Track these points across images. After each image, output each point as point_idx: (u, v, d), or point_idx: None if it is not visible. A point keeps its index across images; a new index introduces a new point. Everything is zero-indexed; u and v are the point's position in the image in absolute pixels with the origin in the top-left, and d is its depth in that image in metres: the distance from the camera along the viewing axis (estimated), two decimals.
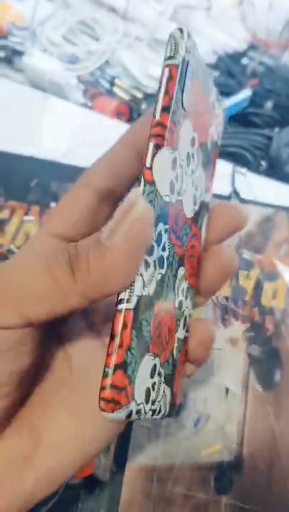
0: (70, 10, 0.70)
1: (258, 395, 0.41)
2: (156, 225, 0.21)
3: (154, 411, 0.22)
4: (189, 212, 0.25)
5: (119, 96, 0.63)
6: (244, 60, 0.67)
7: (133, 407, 0.20)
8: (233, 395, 0.41)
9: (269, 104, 0.62)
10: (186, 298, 0.26)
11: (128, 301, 0.20)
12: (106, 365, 0.20)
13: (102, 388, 0.19)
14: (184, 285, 0.25)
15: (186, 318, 0.26)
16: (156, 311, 0.22)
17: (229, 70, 0.66)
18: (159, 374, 0.23)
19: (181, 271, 0.25)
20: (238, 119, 0.61)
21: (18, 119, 0.59)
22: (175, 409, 0.26)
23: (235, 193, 0.54)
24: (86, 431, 0.23)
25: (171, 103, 0.22)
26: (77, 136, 0.58)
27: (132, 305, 0.20)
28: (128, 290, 0.20)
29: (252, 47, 0.69)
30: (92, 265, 0.19)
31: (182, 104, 0.22)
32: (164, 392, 0.23)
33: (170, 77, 0.22)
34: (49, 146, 0.57)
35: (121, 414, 0.20)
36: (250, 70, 0.66)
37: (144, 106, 0.62)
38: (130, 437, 0.39)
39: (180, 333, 0.25)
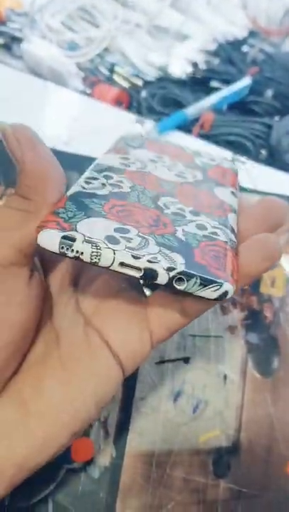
0: None
1: (256, 381, 0.42)
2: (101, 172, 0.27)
3: (135, 256, 0.21)
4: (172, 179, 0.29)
5: (118, 83, 0.63)
6: (244, 48, 0.67)
7: (75, 234, 0.21)
8: (232, 382, 0.42)
9: (269, 93, 0.62)
10: (194, 214, 0.26)
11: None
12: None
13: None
14: (183, 207, 0.26)
15: (202, 224, 0.25)
16: (117, 203, 0.24)
17: (229, 58, 0.65)
18: (141, 237, 0.22)
19: (170, 199, 0.27)
20: (238, 107, 0.61)
21: (18, 107, 0.58)
22: (210, 276, 0.22)
23: None
24: (75, 399, 0.24)
25: None
26: (77, 123, 0.58)
27: (67, 194, 0.24)
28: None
29: (252, 34, 0.69)
30: (27, 180, 0.24)
31: None
32: (160, 250, 0.22)
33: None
34: (48, 134, 0.57)
35: (52, 236, 0.21)
36: (250, 58, 0.66)
37: (143, 94, 0.62)
38: (130, 423, 0.39)
39: (192, 229, 0.24)
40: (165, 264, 0.21)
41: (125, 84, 0.63)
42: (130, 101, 0.62)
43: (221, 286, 0.21)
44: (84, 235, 0.21)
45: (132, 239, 0.22)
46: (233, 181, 0.30)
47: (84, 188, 0.25)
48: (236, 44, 0.67)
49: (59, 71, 0.61)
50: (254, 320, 0.45)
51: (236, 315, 0.45)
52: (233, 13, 0.71)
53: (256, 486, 0.38)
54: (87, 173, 0.27)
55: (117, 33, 0.67)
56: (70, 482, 0.36)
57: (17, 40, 0.65)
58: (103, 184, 0.26)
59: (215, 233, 0.24)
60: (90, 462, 0.37)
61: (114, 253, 0.21)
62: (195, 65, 0.65)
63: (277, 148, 0.57)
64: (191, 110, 0.58)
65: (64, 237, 0.21)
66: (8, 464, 0.22)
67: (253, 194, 0.53)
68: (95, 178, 0.26)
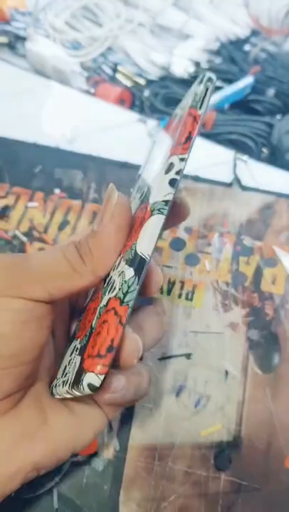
0: None
1: (257, 377, 0.43)
2: None
3: (64, 382, 0.25)
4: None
5: (121, 82, 0.63)
6: (246, 47, 0.67)
7: (54, 384, 0.26)
8: (233, 378, 0.42)
9: (271, 91, 0.62)
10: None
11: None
12: None
13: None
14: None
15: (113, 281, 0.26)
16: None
17: (231, 57, 0.66)
18: (76, 350, 0.26)
19: None
20: (240, 106, 0.62)
21: (22, 106, 0.59)
22: (87, 378, 0.23)
23: (237, 180, 0.54)
24: (82, 420, 0.27)
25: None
26: (81, 122, 0.59)
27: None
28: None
29: (254, 33, 0.69)
30: (93, 246, 0.25)
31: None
32: (75, 362, 0.25)
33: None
34: (52, 133, 0.57)
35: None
36: (252, 57, 0.66)
37: (146, 93, 0.62)
38: (133, 417, 0.40)
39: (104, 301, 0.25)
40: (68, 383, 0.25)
41: (128, 84, 0.63)
42: (133, 100, 0.62)
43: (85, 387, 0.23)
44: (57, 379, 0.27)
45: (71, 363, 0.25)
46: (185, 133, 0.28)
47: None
48: (238, 43, 0.68)
49: (63, 70, 0.62)
50: (255, 317, 0.46)
51: (238, 312, 0.46)
52: (236, 12, 0.71)
53: (256, 480, 0.39)
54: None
55: (120, 32, 0.67)
56: (75, 474, 0.37)
57: (21, 39, 0.65)
58: None
59: (112, 286, 0.25)
60: (94, 455, 0.38)
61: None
62: (197, 64, 0.65)
63: (278, 147, 0.58)
64: None
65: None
66: (26, 462, 0.25)
67: (255, 193, 0.54)
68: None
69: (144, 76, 0.64)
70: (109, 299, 0.25)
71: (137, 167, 0.54)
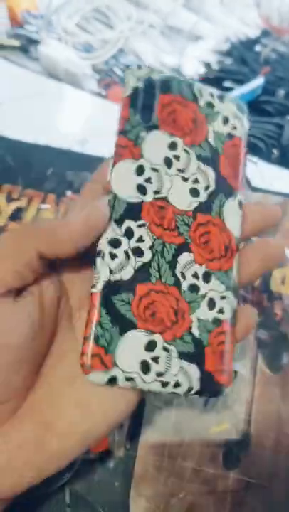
0: None
1: (266, 377, 0.43)
2: (121, 223, 0.28)
3: (163, 383, 0.26)
4: (185, 205, 0.29)
5: None
6: (257, 47, 0.68)
7: (117, 373, 0.26)
8: (242, 377, 0.43)
9: (281, 92, 0.63)
10: (206, 281, 0.28)
11: (94, 286, 0.27)
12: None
13: (81, 354, 0.26)
14: (197, 269, 0.28)
15: (212, 299, 0.28)
16: (142, 293, 0.27)
17: (242, 58, 0.66)
18: (166, 349, 0.27)
19: (187, 257, 0.28)
20: (250, 107, 0.62)
21: (34, 108, 0.60)
22: (215, 388, 0.27)
23: (247, 182, 0.55)
24: (92, 418, 0.27)
25: (124, 126, 0.29)
26: (92, 125, 0.60)
27: (97, 289, 0.26)
28: (95, 277, 0.27)
29: (265, 34, 0.69)
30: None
31: (144, 121, 0.29)
32: (181, 367, 0.27)
33: (123, 107, 0.29)
34: (64, 135, 0.58)
35: (99, 377, 0.26)
36: (263, 57, 0.66)
37: None
38: (143, 415, 0.41)
39: (204, 314, 0.28)
40: (185, 387, 0.27)
41: None
42: None
43: (222, 391, 0.28)
44: (123, 371, 0.26)
45: (158, 358, 0.26)
46: (240, 168, 0.31)
47: (112, 272, 0.27)
48: (249, 44, 0.68)
49: (74, 73, 0.63)
50: (264, 317, 0.46)
51: None
52: (246, 12, 0.71)
53: (265, 478, 0.39)
54: (109, 232, 0.28)
55: (131, 34, 0.68)
56: (86, 472, 0.38)
57: (34, 42, 0.66)
58: (126, 254, 0.27)
59: (221, 310, 0.28)
60: (105, 453, 0.39)
61: (148, 387, 0.26)
62: (208, 65, 0.66)
63: (287, 148, 0.58)
64: None
65: (109, 380, 0.26)
66: (26, 469, 0.25)
67: (266, 194, 0.54)
68: (118, 242, 0.27)
69: None
70: (220, 321, 0.28)
71: None
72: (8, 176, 0.54)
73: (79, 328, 0.29)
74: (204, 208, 0.29)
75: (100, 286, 0.26)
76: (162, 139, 0.30)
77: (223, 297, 0.29)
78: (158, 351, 0.26)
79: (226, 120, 0.32)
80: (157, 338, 0.27)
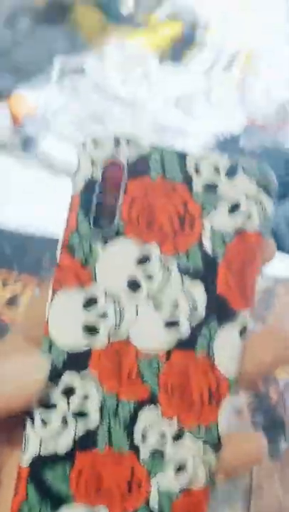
0: (81, 101, 0.77)
1: (264, 464, 0.42)
2: (58, 377, 0.20)
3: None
4: (156, 345, 0.21)
5: None
6: (242, 142, 0.72)
7: None
8: None
9: None
10: (176, 441, 0.21)
11: (21, 459, 0.20)
12: None
13: None
14: (165, 426, 0.21)
15: (183, 466, 0.21)
16: (83, 464, 0.21)
17: (228, 152, 0.71)
18: None
19: (151, 411, 0.21)
20: None
21: (32, 200, 0.63)
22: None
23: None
24: None
25: (69, 240, 0.21)
26: None
27: (24, 463, 0.20)
28: (23, 447, 0.20)
29: (249, 129, 0.74)
30: None
31: (99, 227, 0.21)
32: None
33: (69, 210, 0.21)
34: (61, 223, 0.60)
35: None
36: (248, 151, 0.71)
37: None
38: None
39: (167, 482, 0.21)
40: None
41: None
42: None
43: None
44: None
45: None
46: (251, 278, 0.21)
47: (42, 442, 0.20)
48: (234, 139, 0.73)
49: (71, 166, 0.66)
50: (260, 402, 0.46)
51: (242, 398, 0.46)
52: (231, 110, 0.77)
53: None
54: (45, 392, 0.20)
55: (123, 132, 0.72)
56: None
57: (32, 141, 0.71)
58: (63, 420, 0.21)
59: (195, 475, 0.21)
60: None
61: None
62: None
63: (275, 234, 0.60)
64: None
65: None
66: None
67: None
68: (52, 404, 0.21)
69: None
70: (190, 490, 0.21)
71: None
72: (3, 262, 0.55)
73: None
74: (185, 344, 0.21)
75: (27, 460, 0.20)
76: (127, 251, 0.21)
77: (198, 460, 0.21)
78: None
79: (234, 207, 0.21)
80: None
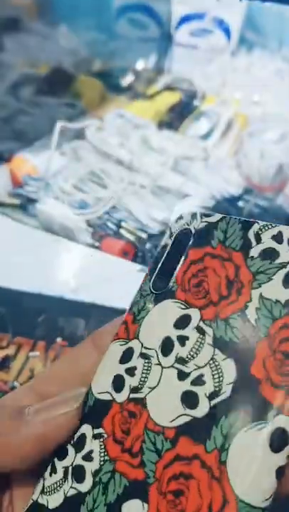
0: (81, 162, 0.78)
1: None
2: (79, 425, 0.20)
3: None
4: (168, 418, 0.19)
5: (125, 237, 0.67)
6: (240, 203, 0.73)
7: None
8: None
9: None
10: None
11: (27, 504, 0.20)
12: None
13: None
14: None
15: None
16: None
17: (227, 213, 0.71)
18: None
19: (137, 508, 0.18)
20: None
21: (32, 260, 0.62)
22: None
23: None
24: None
25: (134, 298, 0.22)
26: (85, 274, 0.62)
27: (24, 509, 0.20)
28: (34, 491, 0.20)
29: (247, 191, 0.75)
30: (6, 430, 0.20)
31: (156, 288, 0.22)
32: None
33: (145, 275, 0.23)
34: (59, 284, 0.59)
35: None
36: (246, 212, 0.71)
37: (148, 245, 0.66)
38: None
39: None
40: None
41: (131, 238, 0.67)
42: (136, 252, 0.65)
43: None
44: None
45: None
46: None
47: (43, 491, 0.20)
48: (232, 200, 0.73)
49: (69, 227, 0.66)
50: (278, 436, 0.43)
51: None
52: (229, 173, 0.78)
53: None
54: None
55: (124, 193, 0.73)
56: None
57: (32, 201, 0.71)
58: (65, 474, 0.20)
59: None
60: None
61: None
62: None
63: None
64: None
65: None
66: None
67: None
68: (65, 453, 0.20)
69: (146, 230, 0.68)
70: None
71: None
72: None
73: None
74: (197, 429, 0.18)
75: (27, 507, 0.20)
76: (170, 312, 0.21)
77: None
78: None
79: None
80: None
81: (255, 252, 0.20)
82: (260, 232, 0.20)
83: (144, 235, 0.67)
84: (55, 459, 0.20)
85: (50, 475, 0.20)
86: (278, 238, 0.20)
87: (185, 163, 0.80)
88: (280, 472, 0.16)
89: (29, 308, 0.56)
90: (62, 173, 0.76)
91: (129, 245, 0.65)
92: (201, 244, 0.21)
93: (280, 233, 0.20)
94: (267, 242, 0.20)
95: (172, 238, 0.22)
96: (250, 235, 0.20)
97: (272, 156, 0.80)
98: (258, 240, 0.20)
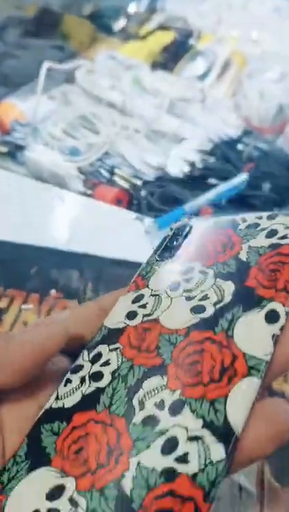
0: (71, 106, 0.74)
1: (275, 492, 0.38)
2: (93, 348, 0.24)
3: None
4: (180, 324, 0.23)
5: (119, 184, 0.64)
6: (239, 146, 0.69)
7: None
8: (248, 494, 0.38)
9: (267, 186, 0.63)
10: (172, 412, 0.20)
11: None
12: None
13: None
14: (165, 396, 0.20)
15: (172, 439, 0.19)
16: (77, 422, 0.21)
17: (225, 156, 0.68)
18: (74, 503, 0.18)
19: (156, 381, 0.21)
20: (237, 201, 0.62)
21: (22, 210, 0.60)
22: None
23: None
24: None
25: (142, 268, 0.27)
26: (78, 223, 0.59)
27: (36, 418, 0.21)
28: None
29: (246, 133, 0.72)
30: None
31: (161, 258, 0.27)
32: None
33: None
34: (50, 235, 0.57)
35: None
36: (246, 155, 0.68)
37: (142, 192, 0.63)
38: None
39: (150, 459, 0.19)
40: None
41: (125, 185, 0.64)
42: (130, 199, 0.63)
43: None
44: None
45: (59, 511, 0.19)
46: (284, 275, 0.23)
47: (57, 398, 0.22)
48: (231, 143, 0.70)
49: (61, 175, 0.63)
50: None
51: None
52: (227, 115, 0.74)
53: None
54: (78, 359, 0.23)
55: (116, 138, 0.70)
56: None
57: (20, 148, 0.68)
58: (81, 380, 0.22)
59: (184, 457, 0.19)
60: None
61: None
62: (192, 164, 0.67)
63: None
64: (189, 206, 0.59)
65: None
66: None
67: None
68: (79, 368, 0.23)
69: (140, 177, 0.65)
70: (174, 475, 0.18)
71: (134, 264, 0.52)
72: None
73: None
74: (205, 324, 0.22)
75: (39, 415, 0.22)
76: (176, 267, 0.26)
77: (193, 438, 0.18)
78: (61, 503, 0.18)
79: (272, 233, 0.25)
80: (68, 483, 0.19)
81: (241, 225, 0.27)
82: (245, 217, 0.27)
83: (138, 182, 0.64)
84: (69, 373, 0.23)
85: (65, 385, 0.22)
86: (258, 217, 0.26)
87: (181, 105, 0.76)
88: (275, 339, 0.20)
89: (21, 260, 0.54)
90: (51, 118, 0.72)
91: (123, 193, 0.62)
92: (196, 231, 0.28)
93: (259, 215, 0.26)
94: (250, 220, 0.27)
95: (174, 228, 0.29)
96: (238, 219, 0.27)
97: (272, 96, 0.76)
98: (244, 220, 0.27)
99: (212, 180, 0.64)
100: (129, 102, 0.74)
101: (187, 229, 0.28)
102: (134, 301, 0.25)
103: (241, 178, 0.63)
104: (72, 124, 0.71)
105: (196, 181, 0.64)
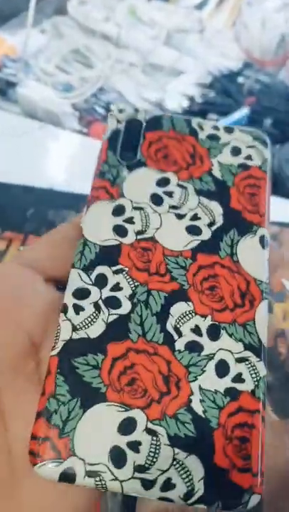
0: (63, 40, 0.70)
1: (274, 424, 0.39)
2: (91, 269, 0.22)
3: (146, 483, 0.18)
4: (181, 245, 0.23)
5: None
6: (240, 79, 0.67)
7: (74, 465, 0.18)
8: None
9: (268, 121, 0.61)
10: (212, 337, 0.21)
11: (52, 349, 0.20)
12: None
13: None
14: (199, 321, 0.21)
15: (223, 362, 0.21)
16: (116, 353, 0.20)
17: (225, 90, 0.65)
18: (151, 432, 0.19)
19: (183, 307, 0.22)
20: None
21: (15, 149, 0.58)
22: (231, 494, 0.19)
23: None
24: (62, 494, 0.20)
25: (101, 168, 0.25)
26: (74, 163, 0.57)
27: (55, 352, 0.20)
28: (55, 338, 0.21)
29: (247, 66, 0.69)
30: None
31: (124, 160, 0.25)
32: (174, 460, 0.19)
33: (101, 151, 0.25)
34: (46, 175, 0.56)
35: (49, 471, 0.18)
36: (246, 89, 0.65)
37: None
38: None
39: (211, 382, 0.20)
40: (181, 490, 0.18)
41: None
42: None
43: (248, 502, 0.19)
44: (84, 462, 0.19)
45: (139, 444, 0.19)
46: (261, 200, 0.25)
47: (75, 328, 0.21)
48: (232, 76, 0.67)
49: (54, 112, 0.61)
50: (268, 358, 0.42)
51: None
52: (227, 46, 0.71)
53: None
54: (75, 281, 0.22)
55: (112, 73, 0.67)
56: None
57: (12, 84, 0.65)
58: (96, 307, 0.21)
59: (239, 377, 0.20)
60: None
61: (122, 485, 0.18)
62: (191, 98, 0.64)
63: (279, 176, 0.55)
64: None
65: (62, 476, 0.18)
66: None
67: None
68: (85, 293, 0.22)
69: None
70: (238, 393, 0.20)
71: None
72: None
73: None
74: (208, 247, 0.23)
75: (58, 349, 0.20)
76: (149, 176, 0.25)
77: (241, 359, 0.21)
78: (138, 435, 0.19)
79: (236, 151, 0.26)
80: (137, 415, 0.19)
81: (202, 135, 0.26)
82: (200, 123, 0.26)
83: None
84: (76, 300, 0.21)
85: (78, 313, 0.21)
86: (216, 128, 0.26)
87: (178, 36, 0.72)
88: (268, 265, 0.23)
89: (17, 202, 0.53)
90: (43, 52, 0.68)
91: None
92: (153, 130, 0.26)
93: (217, 125, 0.26)
94: (207, 130, 0.26)
95: (124, 124, 0.26)
96: (194, 125, 0.26)
97: (274, 25, 0.72)
98: (201, 129, 0.26)
99: (212, 116, 0.62)
100: (124, 33, 0.71)
101: (143, 126, 0.26)
102: (114, 213, 0.24)
103: (242, 112, 0.60)
104: (65, 58, 0.68)
105: (196, 116, 0.62)
